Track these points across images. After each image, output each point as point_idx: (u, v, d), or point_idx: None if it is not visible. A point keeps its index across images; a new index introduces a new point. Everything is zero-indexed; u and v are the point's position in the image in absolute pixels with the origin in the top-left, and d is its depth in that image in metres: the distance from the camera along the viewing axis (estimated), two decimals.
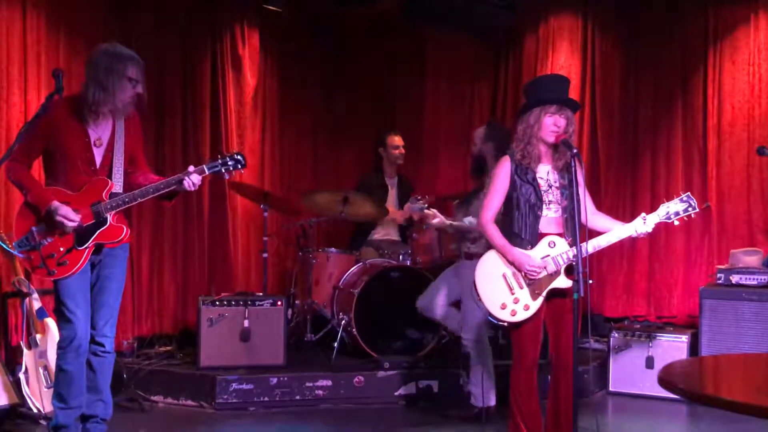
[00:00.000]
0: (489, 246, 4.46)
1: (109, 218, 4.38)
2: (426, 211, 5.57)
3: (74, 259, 4.33)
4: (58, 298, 4.39)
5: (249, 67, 7.56)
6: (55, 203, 4.25)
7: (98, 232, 4.35)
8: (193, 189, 4.43)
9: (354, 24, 8.45)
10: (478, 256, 5.34)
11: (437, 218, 5.53)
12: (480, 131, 5.63)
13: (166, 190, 4.40)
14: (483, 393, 5.41)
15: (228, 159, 4.49)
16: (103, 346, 4.51)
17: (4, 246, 4.69)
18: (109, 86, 4.30)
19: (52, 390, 5.28)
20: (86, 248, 4.35)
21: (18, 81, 5.90)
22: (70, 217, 4.25)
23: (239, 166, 4.52)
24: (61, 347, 4.43)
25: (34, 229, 4.29)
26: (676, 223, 4.31)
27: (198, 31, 7.30)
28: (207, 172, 4.46)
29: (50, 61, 6.04)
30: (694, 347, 6.11)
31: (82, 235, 4.33)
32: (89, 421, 4.56)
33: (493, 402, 5.47)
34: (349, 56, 8.49)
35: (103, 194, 4.37)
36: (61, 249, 4.31)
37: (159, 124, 6.96)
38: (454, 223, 5.50)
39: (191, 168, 4.43)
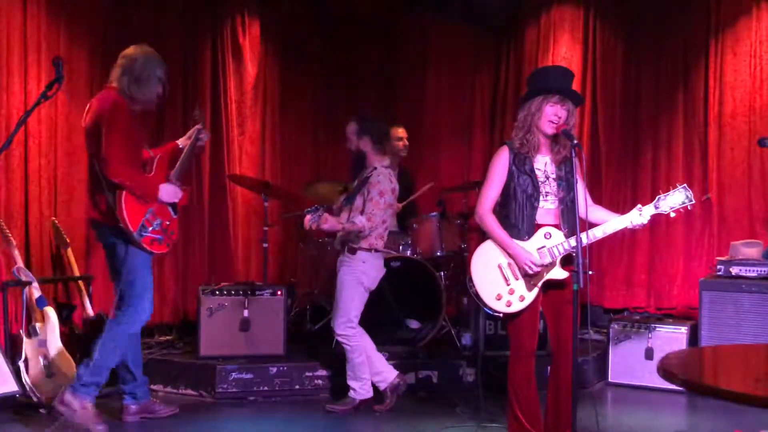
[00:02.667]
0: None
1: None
2: (321, 217, 5.44)
3: (175, 229, 5.12)
4: (147, 275, 4.95)
5: (249, 56, 7.55)
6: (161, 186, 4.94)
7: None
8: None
9: (355, 13, 8.43)
10: (361, 249, 5.42)
11: (328, 222, 5.43)
12: (352, 127, 5.60)
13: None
14: (362, 385, 5.52)
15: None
16: None
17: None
18: (143, 81, 4.88)
19: (51, 378, 5.31)
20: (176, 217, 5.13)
21: (18, 69, 5.89)
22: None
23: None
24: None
25: (150, 210, 4.88)
26: (673, 215, 4.30)
27: (198, 21, 7.29)
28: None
29: (51, 50, 6.03)
30: (693, 339, 6.11)
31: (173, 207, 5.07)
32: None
33: (370, 394, 5.54)
34: (350, 46, 8.47)
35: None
36: (167, 223, 5.00)
37: (159, 114, 6.95)
38: (346, 225, 5.43)
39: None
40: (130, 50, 4.97)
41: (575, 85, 5.09)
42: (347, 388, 5.57)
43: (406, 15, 8.48)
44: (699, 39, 7.29)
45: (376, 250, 5.54)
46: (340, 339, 5.48)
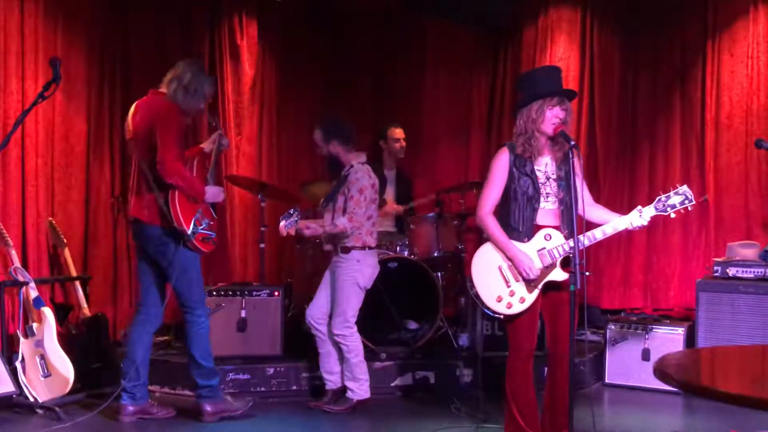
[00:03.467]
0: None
1: None
2: (298, 224, 5.46)
3: (216, 230, 5.24)
4: (200, 272, 5.18)
5: (247, 57, 7.55)
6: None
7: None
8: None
9: (353, 13, 8.43)
10: (355, 248, 5.44)
11: (309, 229, 5.46)
12: (317, 134, 5.63)
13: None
14: (361, 385, 5.52)
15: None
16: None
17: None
18: (190, 92, 5.08)
19: (48, 379, 5.31)
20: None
21: (15, 69, 5.89)
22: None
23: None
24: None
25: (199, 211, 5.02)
26: (673, 215, 4.30)
27: (196, 21, 7.30)
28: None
29: (48, 50, 6.04)
30: (690, 340, 6.12)
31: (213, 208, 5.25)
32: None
33: (368, 395, 5.55)
34: (347, 46, 8.47)
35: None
36: (212, 223, 5.15)
37: None
38: (327, 228, 5.45)
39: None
40: (184, 61, 5.20)
41: (573, 87, 5.12)
42: (344, 388, 5.57)
43: (404, 16, 8.48)
44: (696, 40, 7.30)
45: (369, 248, 5.55)
46: (337, 339, 5.48)
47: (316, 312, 5.60)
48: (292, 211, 5.46)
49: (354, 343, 5.49)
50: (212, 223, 5.16)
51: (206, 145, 5.42)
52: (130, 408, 5.18)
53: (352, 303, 5.49)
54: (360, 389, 5.52)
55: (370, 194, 5.51)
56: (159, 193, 4.97)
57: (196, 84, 5.10)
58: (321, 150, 5.66)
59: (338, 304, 5.49)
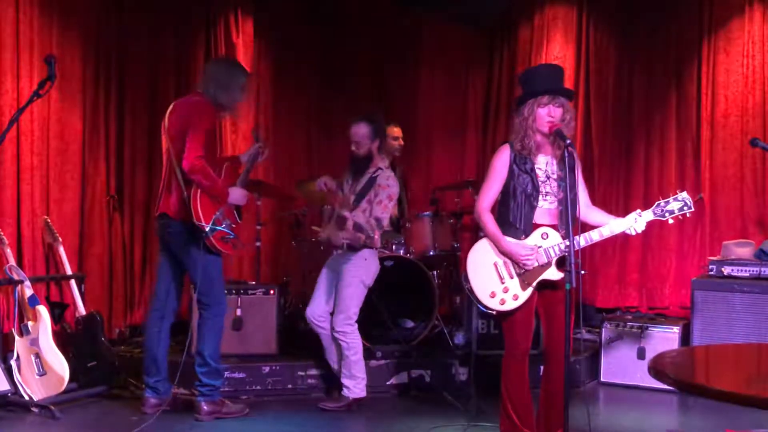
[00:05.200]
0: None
1: None
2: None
3: (239, 233, 5.28)
4: (221, 272, 5.22)
5: (243, 55, 7.54)
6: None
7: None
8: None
9: (349, 12, 8.43)
10: (364, 246, 5.45)
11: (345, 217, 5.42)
12: (364, 129, 5.48)
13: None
14: (356, 384, 5.53)
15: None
16: None
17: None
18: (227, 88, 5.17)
19: (43, 377, 5.30)
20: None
21: (10, 67, 5.87)
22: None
23: None
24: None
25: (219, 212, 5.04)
26: (671, 221, 4.32)
27: (192, 19, 7.28)
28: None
29: (43, 48, 6.01)
30: (685, 338, 6.13)
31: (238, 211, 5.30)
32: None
33: (364, 393, 5.56)
34: (343, 45, 8.47)
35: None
36: (233, 226, 5.16)
37: (152, 112, 6.94)
38: (355, 225, 5.39)
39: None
40: (214, 59, 5.43)
41: (568, 85, 5.11)
42: (341, 386, 5.57)
43: (400, 14, 8.48)
44: (692, 39, 7.31)
45: (376, 248, 5.58)
46: (337, 335, 5.48)
47: (318, 310, 5.60)
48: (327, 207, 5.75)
49: (354, 340, 5.49)
50: (234, 225, 5.18)
51: (243, 155, 5.50)
52: (153, 401, 5.24)
53: (356, 301, 5.50)
54: (356, 388, 5.52)
55: (395, 202, 5.60)
56: (184, 188, 5.02)
57: (227, 78, 5.18)
58: (360, 147, 5.51)
59: (342, 301, 5.49)
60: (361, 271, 5.50)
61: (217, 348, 5.23)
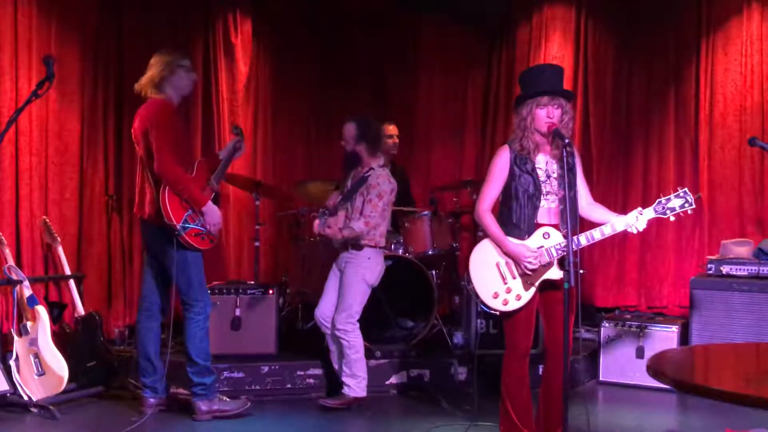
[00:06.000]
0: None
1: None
2: (326, 221, 5.57)
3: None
4: (201, 270, 5.17)
5: (241, 55, 7.54)
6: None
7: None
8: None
9: (348, 12, 8.42)
10: (367, 246, 5.50)
11: (330, 229, 5.50)
12: (351, 130, 5.59)
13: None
14: (358, 383, 5.54)
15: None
16: None
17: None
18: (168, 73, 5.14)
19: (42, 377, 5.30)
20: None
21: (9, 67, 5.87)
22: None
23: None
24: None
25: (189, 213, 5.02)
26: (672, 218, 4.31)
27: (190, 19, 7.28)
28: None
29: (41, 48, 6.01)
30: (684, 338, 6.13)
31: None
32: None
33: (365, 393, 5.56)
34: (342, 45, 8.46)
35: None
36: (203, 222, 5.09)
37: None
38: (344, 232, 5.45)
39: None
40: (155, 59, 5.23)
41: (566, 85, 5.11)
42: (341, 384, 5.58)
43: (399, 14, 8.48)
44: (690, 38, 7.31)
45: (380, 248, 5.60)
46: (338, 333, 5.48)
47: (326, 311, 5.61)
48: (323, 211, 5.62)
49: (355, 339, 5.50)
50: (203, 222, 5.14)
51: (222, 152, 5.50)
52: (152, 400, 5.25)
53: (359, 299, 5.52)
54: (357, 387, 5.52)
55: (388, 198, 5.58)
56: (154, 189, 5.02)
57: (168, 67, 5.13)
58: (347, 144, 5.64)
59: (344, 299, 5.50)
60: (364, 270, 5.51)
61: (203, 346, 5.20)
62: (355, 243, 5.51)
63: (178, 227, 4.95)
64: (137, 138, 5.13)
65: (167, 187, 4.95)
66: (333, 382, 5.82)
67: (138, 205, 5.20)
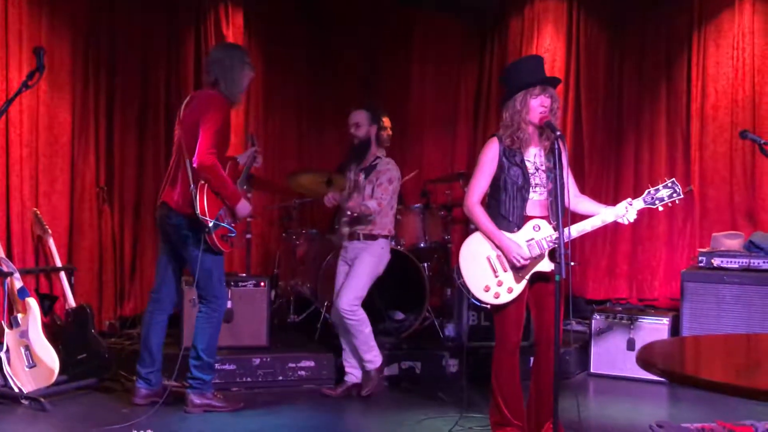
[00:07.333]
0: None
1: None
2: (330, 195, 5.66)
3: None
4: (221, 267, 5.16)
5: None
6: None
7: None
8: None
9: (340, 4, 8.41)
10: (381, 236, 5.59)
11: (353, 200, 5.61)
12: (363, 115, 5.69)
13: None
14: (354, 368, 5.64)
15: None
16: None
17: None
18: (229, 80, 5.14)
19: (33, 369, 5.29)
20: None
21: None
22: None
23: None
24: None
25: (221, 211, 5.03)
26: (661, 209, 4.33)
27: (182, 11, 7.25)
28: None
29: (32, 39, 5.98)
30: (675, 330, 6.15)
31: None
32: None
33: (381, 359, 5.67)
34: (334, 37, 8.45)
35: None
36: (233, 224, 5.13)
37: (143, 104, 6.93)
38: (362, 207, 5.54)
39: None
40: (223, 51, 5.27)
41: (558, 77, 5.11)
42: (343, 372, 5.66)
43: (391, 5, 8.47)
44: (682, 31, 7.32)
45: (391, 237, 5.74)
46: (344, 314, 5.50)
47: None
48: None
49: (362, 315, 5.56)
50: (233, 224, 5.17)
51: (241, 158, 5.48)
52: (143, 391, 5.25)
53: (364, 285, 5.58)
54: (376, 357, 5.62)
55: (397, 186, 5.66)
56: (192, 181, 4.97)
57: (235, 73, 5.16)
58: (359, 130, 5.68)
59: (353, 283, 5.55)
60: (376, 259, 5.61)
61: (212, 343, 5.20)
62: (368, 233, 5.57)
63: (210, 224, 4.93)
64: (187, 124, 5.08)
65: (205, 183, 4.95)
66: (327, 374, 5.83)
67: (167, 191, 5.14)
